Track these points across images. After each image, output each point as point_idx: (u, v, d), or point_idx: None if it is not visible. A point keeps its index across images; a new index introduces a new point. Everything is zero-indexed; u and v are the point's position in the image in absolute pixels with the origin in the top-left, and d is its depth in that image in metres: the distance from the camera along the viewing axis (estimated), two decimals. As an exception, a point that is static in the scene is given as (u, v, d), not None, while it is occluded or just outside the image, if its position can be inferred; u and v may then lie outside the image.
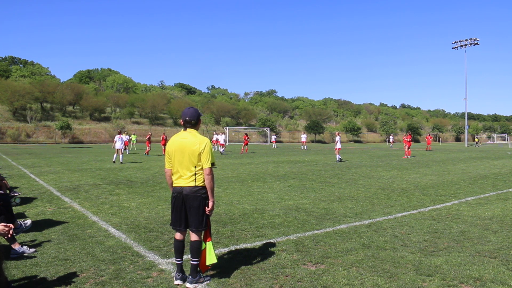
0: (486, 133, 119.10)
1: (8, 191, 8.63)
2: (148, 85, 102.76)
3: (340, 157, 22.28)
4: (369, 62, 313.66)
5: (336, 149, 22.47)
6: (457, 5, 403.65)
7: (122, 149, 20.70)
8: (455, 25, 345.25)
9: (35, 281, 4.26)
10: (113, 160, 20.25)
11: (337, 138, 22.83)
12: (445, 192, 10.58)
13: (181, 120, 4.39)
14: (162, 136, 30.33)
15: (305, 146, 43.60)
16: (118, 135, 20.51)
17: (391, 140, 54.13)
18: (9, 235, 4.20)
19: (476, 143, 65.99)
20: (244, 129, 65.89)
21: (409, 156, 26.58)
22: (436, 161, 22.99)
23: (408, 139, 27.18)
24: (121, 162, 20.04)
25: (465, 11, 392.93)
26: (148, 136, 31.32)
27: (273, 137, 52.33)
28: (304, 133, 47.15)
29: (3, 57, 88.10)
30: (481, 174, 15.21)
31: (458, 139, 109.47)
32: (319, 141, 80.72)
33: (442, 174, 15.36)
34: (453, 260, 4.88)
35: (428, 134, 45.38)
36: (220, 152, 31.59)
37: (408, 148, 27.01)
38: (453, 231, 6.30)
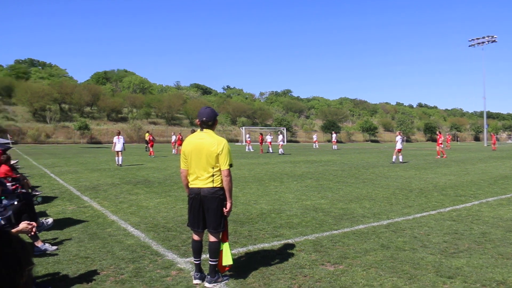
0: (506, 132, 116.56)
1: (30, 190, 8.82)
2: (164, 85, 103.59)
3: (401, 159, 20.76)
4: (385, 61, 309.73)
5: (396, 149, 20.86)
6: (474, 2, 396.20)
7: (123, 151, 18.46)
8: (472, 22, 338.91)
9: (58, 278, 4.35)
10: (118, 163, 18.22)
11: (398, 138, 21.22)
12: (465, 192, 10.40)
13: (197, 120, 4.34)
14: (178, 136, 30.43)
15: (335, 146, 42.55)
16: (117, 136, 18.55)
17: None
18: (32, 233, 4.29)
19: None
20: (260, 129, 65.74)
21: (438, 157, 25.17)
22: (455, 160, 22.59)
23: (441, 139, 26.04)
24: (120, 165, 18.06)
25: (482, 8, 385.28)
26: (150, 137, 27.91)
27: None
28: (334, 133, 45.30)
29: (23, 59, 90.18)
30: (502, 174, 14.89)
31: (477, 139, 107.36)
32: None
33: (461, 174, 15.09)
34: (475, 262, 4.80)
35: (493, 133, 42.50)
36: (269, 151, 32.18)
37: (442, 147, 25.93)
38: (473, 232, 6.19)
